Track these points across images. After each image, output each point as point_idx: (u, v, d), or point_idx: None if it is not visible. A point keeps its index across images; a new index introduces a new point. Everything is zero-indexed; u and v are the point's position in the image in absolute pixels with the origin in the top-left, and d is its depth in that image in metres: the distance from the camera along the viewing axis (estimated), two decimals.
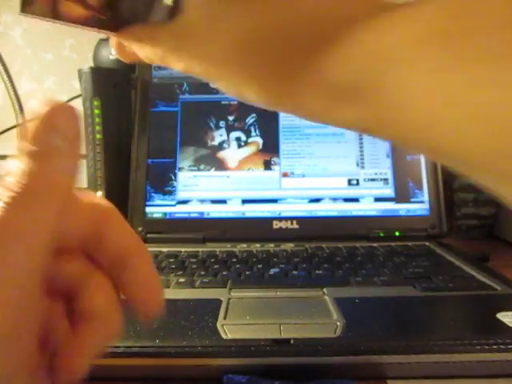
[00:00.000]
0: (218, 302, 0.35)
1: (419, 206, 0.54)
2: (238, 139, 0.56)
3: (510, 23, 0.10)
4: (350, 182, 0.55)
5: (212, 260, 0.46)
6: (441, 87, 0.11)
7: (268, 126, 0.57)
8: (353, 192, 0.55)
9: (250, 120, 0.57)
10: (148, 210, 0.54)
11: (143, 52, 0.21)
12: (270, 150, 0.56)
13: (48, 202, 0.14)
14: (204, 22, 0.18)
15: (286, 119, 0.57)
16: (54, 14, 0.19)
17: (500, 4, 0.10)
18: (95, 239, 0.17)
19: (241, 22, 0.16)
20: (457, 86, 0.11)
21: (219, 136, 0.57)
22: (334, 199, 0.54)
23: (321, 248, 0.49)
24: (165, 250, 0.49)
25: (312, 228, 0.53)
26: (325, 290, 0.37)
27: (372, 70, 0.13)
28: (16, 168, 0.14)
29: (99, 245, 0.17)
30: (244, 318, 0.32)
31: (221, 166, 0.56)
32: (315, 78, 0.15)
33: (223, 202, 0.55)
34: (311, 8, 0.16)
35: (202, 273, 0.42)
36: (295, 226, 0.53)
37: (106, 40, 0.63)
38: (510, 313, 0.31)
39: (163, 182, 0.56)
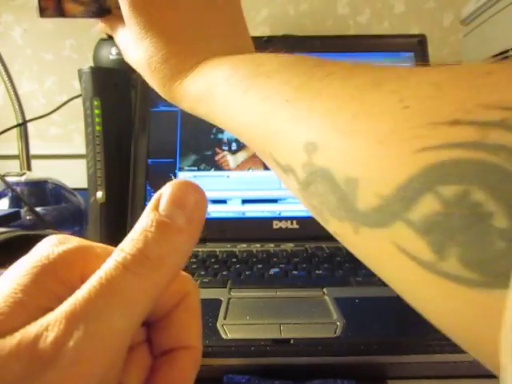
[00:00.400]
0: (218, 302, 0.35)
1: None
2: (237, 139, 0.56)
3: (249, 75, 0.20)
4: None
5: (212, 260, 0.46)
6: (223, 101, 0.22)
7: None
8: None
9: None
10: None
11: (114, 37, 0.29)
12: None
13: (156, 276, 0.14)
14: (125, 48, 0.28)
15: None
16: (61, 14, 0.28)
17: (244, 68, 0.21)
18: (165, 316, 0.17)
19: (134, 58, 0.27)
20: (226, 102, 0.21)
21: (219, 136, 0.57)
22: None
23: (321, 248, 0.49)
24: None
25: (312, 228, 0.53)
26: (325, 290, 0.37)
27: (205, 90, 0.23)
28: (135, 230, 0.14)
29: (164, 321, 0.17)
30: (244, 318, 0.32)
31: (221, 166, 0.56)
32: (183, 93, 0.24)
33: (223, 202, 0.55)
34: (183, 48, 0.24)
35: (202, 273, 0.42)
36: (295, 225, 0.53)
37: (106, 40, 0.63)
38: None
39: (163, 182, 0.55)
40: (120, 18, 0.27)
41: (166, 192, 0.15)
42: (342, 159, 0.14)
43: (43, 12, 0.27)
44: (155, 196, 0.15)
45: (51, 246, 0.15)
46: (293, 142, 0.16)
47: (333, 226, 0.16)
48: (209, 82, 0.23)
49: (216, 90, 0.22)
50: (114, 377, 0.14)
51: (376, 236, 0.13)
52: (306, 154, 0.15)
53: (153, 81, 0.26)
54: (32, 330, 0.12)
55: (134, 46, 0.26)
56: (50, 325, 0.12)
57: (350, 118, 0.14)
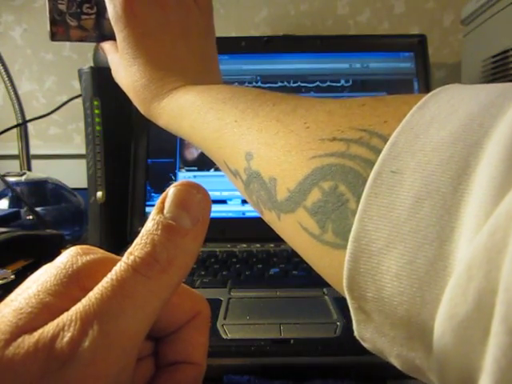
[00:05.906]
0: (218, 301, 0.35)
1: None
2: None
3: (209, 101, 0.25)
4: None
5: (212, 260, 0.46)
6: (189, 120, 0.26)
7: None
8: None
9: None
10: (148, 210, 0.54)
11: (108, 59, 0.33)
12: None
13: (166, 278, 0.14)
14: (116, 70, 0.32)
15: None
16: (68, 38, 0.33)
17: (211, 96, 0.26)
18: (174, 332, 0.17)
19: (122, 80, 0.31)
20: (191, 121, 0.26)
21: None
22: None
23: None
24: None
25: None
26: (325, 289, 0.37)
27: (176, 111, 0.28)
28: (142, 234, 0.14)
29: (173, 336, 0.17)
30: (244, 318, 0.32)
31: None
32: (159, 112, 0.29)
33: (223, 202, 0.55)
34: (162, 77, 0.29)
35: (202, 273, 0.42)
36: None
37: None
38: None
39: (163, 182, 0.56)
40: (115, 45, 0.31)
41: (169, 194, 0.15)
42: (267, 164, 0.19)
43: (54, 36, 0.32)
44: (159, 199, 0.15)
45: (76, 255, 0.15)
46: (238, 152, 0.21)
47: (266, 216, 0.20)
48: (180, 105, 0.27)
49: (185, 111, 0.27)
50: (126, 378, 0.15)
51: (289, 220, 0.17)
52: (246, 161, 0.20)
53: (135, 100, 0.31)
54: (49, 329, 0.12)
55: (123, 70, 0.30)
56: (65, 325, 0.12)
57: (273, 135, 0.19)
